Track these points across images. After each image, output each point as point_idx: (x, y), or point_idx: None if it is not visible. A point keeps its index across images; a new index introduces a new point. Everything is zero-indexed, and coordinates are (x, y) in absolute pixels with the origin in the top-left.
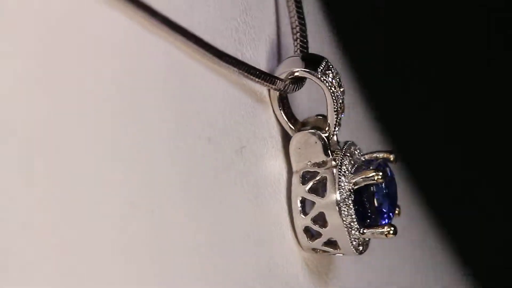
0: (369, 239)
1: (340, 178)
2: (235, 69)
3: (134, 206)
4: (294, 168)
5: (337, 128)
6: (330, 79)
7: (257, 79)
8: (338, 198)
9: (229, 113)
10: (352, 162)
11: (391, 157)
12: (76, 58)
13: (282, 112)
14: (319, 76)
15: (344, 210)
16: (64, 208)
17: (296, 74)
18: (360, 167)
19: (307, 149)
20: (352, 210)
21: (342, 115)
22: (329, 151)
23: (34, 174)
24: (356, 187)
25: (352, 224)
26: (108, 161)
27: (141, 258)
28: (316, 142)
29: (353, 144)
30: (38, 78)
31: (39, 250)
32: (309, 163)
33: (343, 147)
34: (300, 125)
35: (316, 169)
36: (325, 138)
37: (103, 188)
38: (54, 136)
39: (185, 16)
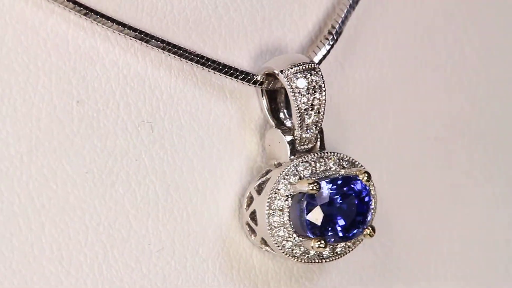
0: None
1: (279, 182)
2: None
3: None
4: (268, 164)
5: (301, 133)
6: (299, 82)
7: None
8: (267, 199)
9: (126, 86)
10: (314, 171)
11: (363, 176)
12: None
13: (265, 105)
14: (283, 76)
15: (272, 212)
16: None
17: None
18: (320, 178)
19: (275, 147)
20: (286, 214)
21: (310, 121)
22: (288, 154)
23: None
24: (293, 194)
25: (280, 228)
26: None
27: None
28: (279, 142)
29: (335, 155)
30: None
31: None
32: (275, 162)
33: (314, 155)
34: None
35: (273, 168)
36: (285, 139)
37: None
38: None
39: None
